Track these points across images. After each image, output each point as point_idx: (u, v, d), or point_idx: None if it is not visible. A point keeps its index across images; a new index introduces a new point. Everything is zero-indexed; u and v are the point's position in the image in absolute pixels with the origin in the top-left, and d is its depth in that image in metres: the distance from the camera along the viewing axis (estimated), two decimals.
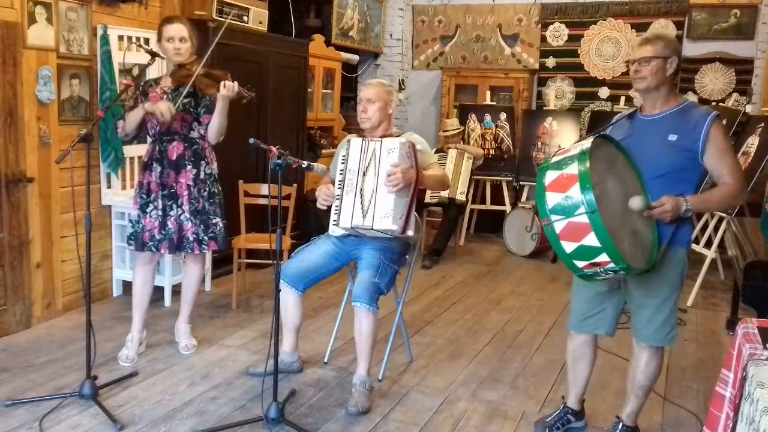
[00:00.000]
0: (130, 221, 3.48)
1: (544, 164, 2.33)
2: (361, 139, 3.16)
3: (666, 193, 2.37)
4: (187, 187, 3.35)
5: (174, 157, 3.33)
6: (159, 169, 3.35)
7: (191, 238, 3.38)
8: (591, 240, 2.16)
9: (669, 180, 2.45)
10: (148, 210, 3.36)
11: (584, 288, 2.72)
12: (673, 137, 2.47)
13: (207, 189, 3.41)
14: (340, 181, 3.14)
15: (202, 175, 3.39)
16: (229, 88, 3.16)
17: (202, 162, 3.39)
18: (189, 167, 3.35)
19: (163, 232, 3.35)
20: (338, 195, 3.13)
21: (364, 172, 3.09)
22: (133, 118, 3.24)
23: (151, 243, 3.36)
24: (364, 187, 3.07)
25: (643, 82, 2.51)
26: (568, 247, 2.22)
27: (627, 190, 2.37)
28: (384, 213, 3.00)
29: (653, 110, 2.57)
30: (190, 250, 3.41)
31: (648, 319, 2.59)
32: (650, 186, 2.44)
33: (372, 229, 3.03)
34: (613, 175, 2.38)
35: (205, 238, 3.41)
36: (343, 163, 3.16)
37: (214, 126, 3.30)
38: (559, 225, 2.21)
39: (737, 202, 2.57)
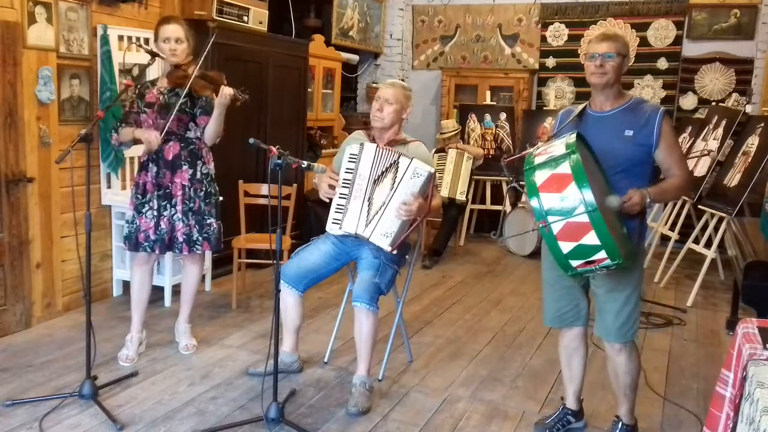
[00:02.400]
0: (126, 221, 3.48)
1: (529, 165, 2.29)
2: (375, 145, 3.14)
3: (626, 188, 2.41)
4: (182, 187, 3.35)
5: (170, 157, 3.33)
6: (155, 169, 3.35)
7: (181, 239, 3.38)
8: (590, 239, 2.16)
9: (629, 175, 2.49)
10: (143, 210, 3.35)
11: (556, 286, 2.74)
12: (629, 132, 2.50)
13: (203, 189, 3.41)
14: (347, 180, 3.12)
15: (198, 175, 3.39)
16: (224, 95, 3.18)
17: (199, 162, 3.39)
18: (185, 167, 3.35)
19: (157, 232, 3.36)
20: (344, 194, 3.12)
21: (375, 180, 3.08)
22: (126, 136, 3.32)
23: (146, 243, 3.35)
24: (374, 197, 3.07)
25: (604, 77, 2.52)
26: (566, 247, 2.21)
27: (600, 187, 2.38)
28: (384, 231, 3.03)
29: (605, 106, 2.59)
30: (178, 251, 3.41)
31: (615, 314, 2.59)
32: (612, 181, 2.46)
33: (367, 239, 3.06)
34: (589, 173, 2.38)
35: (200, 238, 3.41)
36: (352, 162, 3.13)
37: (210, 130, 3.32)
38: (557, 226, 2.19)
39: (686, 192, 2.65)
